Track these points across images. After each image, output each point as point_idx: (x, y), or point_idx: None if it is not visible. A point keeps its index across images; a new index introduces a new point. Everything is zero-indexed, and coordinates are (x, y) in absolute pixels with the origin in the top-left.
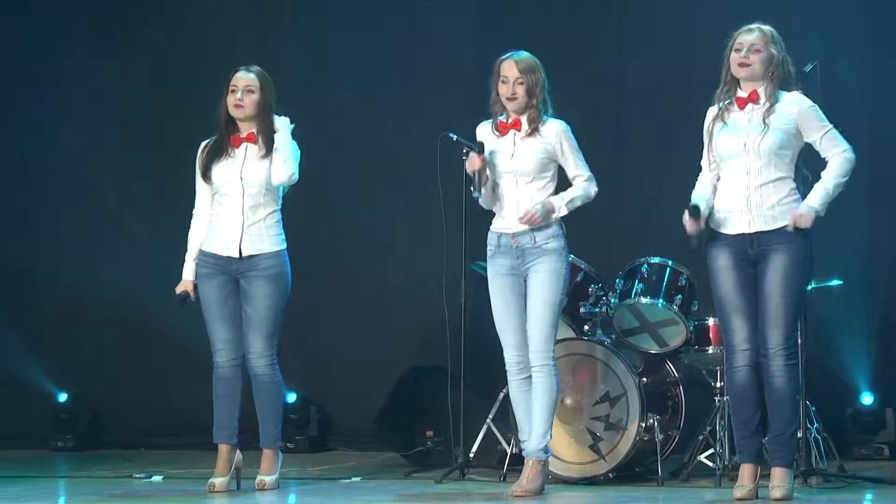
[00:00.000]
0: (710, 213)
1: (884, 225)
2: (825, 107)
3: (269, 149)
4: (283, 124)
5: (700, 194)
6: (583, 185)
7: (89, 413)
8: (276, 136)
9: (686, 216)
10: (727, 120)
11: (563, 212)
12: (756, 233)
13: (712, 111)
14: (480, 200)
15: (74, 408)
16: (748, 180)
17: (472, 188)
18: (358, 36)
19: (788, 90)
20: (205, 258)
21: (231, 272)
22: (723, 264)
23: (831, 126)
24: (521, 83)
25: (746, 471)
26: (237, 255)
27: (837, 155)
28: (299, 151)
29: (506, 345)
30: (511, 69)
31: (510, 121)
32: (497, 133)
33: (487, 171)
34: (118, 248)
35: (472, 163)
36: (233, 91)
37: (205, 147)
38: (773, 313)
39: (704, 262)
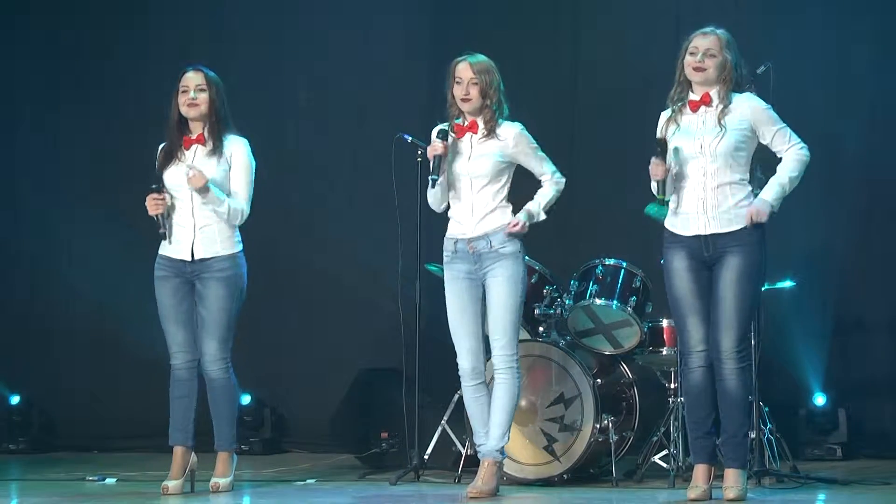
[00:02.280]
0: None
1: (836, 226)
2: (778, 108)
3: (216, 148)
4: (243, 155)
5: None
6: (551, 184)
7: (42, 416)
8: (233, 172)
9: (653, 159)
10: (680, 122)
11: (542, 216)
12: (712, 235)
13: (665, 114)
14: (430, 196)
15: (27, 411)
16: (704, 182)
17: (430, 174)
18: (313, 37)
19: (739, 92)
20: (161, 261)
21: (185, 274)
22: (678, 266)
23: (785, 125)
24: (476, 84)
25: (700, 471)
26: (189, 258)
27: (792, 150)
28: (255, 165)
29: (460, 351)
30: (465, 71)
31: (466, 123)
32: (454, 136)
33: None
34: (70, 253)
35: (435, 148)
36: (184, 91)
37: (161, 150)
38: (727, 316)
39: (660, 263)
